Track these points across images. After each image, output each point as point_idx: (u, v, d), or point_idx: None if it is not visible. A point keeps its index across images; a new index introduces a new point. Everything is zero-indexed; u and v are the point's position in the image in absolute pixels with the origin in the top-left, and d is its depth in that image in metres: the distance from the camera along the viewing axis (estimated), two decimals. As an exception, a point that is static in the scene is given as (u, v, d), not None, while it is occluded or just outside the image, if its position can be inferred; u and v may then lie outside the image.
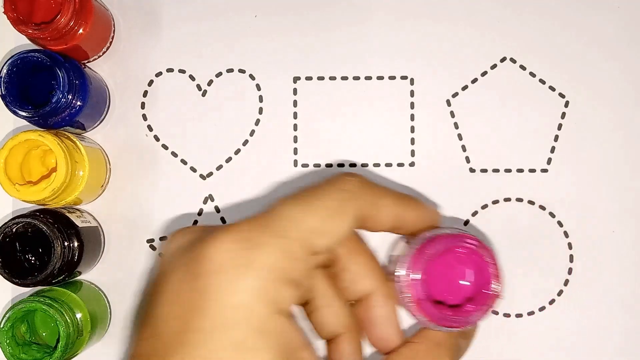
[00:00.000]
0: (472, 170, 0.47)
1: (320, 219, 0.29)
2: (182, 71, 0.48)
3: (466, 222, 0.47)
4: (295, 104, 0.48)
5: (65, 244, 0.41)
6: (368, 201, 0.31)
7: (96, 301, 0.45)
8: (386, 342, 0.34)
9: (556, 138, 0.47)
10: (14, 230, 0.41)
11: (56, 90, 0.41)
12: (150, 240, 0.47)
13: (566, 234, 0.47)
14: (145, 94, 0.48)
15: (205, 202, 0.47)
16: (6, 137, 0.47)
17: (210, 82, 0.48)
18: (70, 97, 0.42)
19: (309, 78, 0.48)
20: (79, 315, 0.42)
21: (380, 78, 0.48)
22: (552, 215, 0.47)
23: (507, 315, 0.47)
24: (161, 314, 0.28)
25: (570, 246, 0.47)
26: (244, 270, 0.27)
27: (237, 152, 0.47)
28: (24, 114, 0.41)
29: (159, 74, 0.48)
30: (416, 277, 0.34)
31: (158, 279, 0.29)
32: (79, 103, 0.43)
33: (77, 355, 0.43)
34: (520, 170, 0.47)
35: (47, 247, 0.41)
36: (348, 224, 0.30)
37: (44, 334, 0.43)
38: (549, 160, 0.47)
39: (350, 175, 0.32)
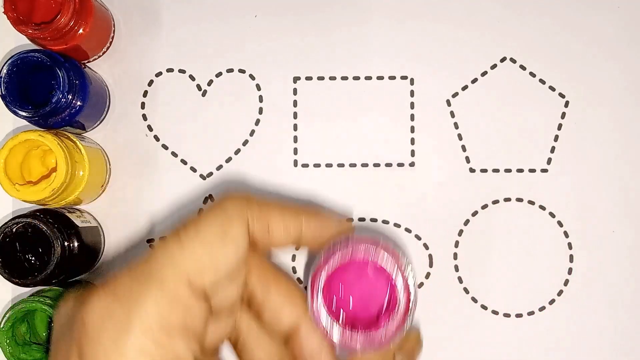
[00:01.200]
0: (472, 170, 0.47)
1: (203, 252, 0.27)
2: (182, 71, 0.48)
3: (466, 222, 0.47)
4: (295, 104, 0.48)
5: (65, 243, 0.42)
6: (254, 220, 0.29)
7: None
8: None
9: (556, 138, 0.47)
10: (13, 230, 0.41)
11: (56, 90, 0.41)
12: (150, 241, 0.47)
13: (566, 234, 0.47)
14: (145, 94, 0.48)
15: (205, 202, 0.47)
16: (6, 137, 0.47)
17: (210, 82, 0.48)
18: (70, 97, 0.42)
19: (309, 78, 0.48)
20: None
21: (380, 78, 0.48)
22: (552, 215, 0.47)
23: (507, 315, 0.47)
24: None
25: (570, 246, 0.47)
26: (124, 329, 0.25)
27: (237, 152, 0.47)
28: (24, 114, 0.41)
29: (159, 74, 0.48)
30: (316, 299, 0.30)
31: (50, 353, 0.27)
32: (79, 103, 0.43)
33: None
34: (520, 170, 0.47)
35: (47, 247, 0.41)
36: (234, 252, 0.28)
37: (43, 334, 0.43)
38: (549, 160, 0.47)
39: (231, 196, 0.30)
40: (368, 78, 0.48)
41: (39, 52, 0.41)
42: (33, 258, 0.43)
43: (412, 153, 0.47)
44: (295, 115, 0.48)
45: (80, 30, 0.43)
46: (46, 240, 0.41)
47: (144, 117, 0.47)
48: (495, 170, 0.47)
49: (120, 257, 0.47)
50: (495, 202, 0.47)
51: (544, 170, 0.47)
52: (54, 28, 0.41)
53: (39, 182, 0.42)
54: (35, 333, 0.43)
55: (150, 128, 0.47)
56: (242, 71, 0.48)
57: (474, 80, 0.48)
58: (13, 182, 0.41)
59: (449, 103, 0.48)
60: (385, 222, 0.47)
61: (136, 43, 0.48)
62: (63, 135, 0.43)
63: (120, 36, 0.48)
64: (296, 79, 0.48)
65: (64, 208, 0.44)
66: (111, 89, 0.47)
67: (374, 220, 0.47)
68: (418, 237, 0.47)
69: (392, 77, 0.48)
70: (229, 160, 0.47)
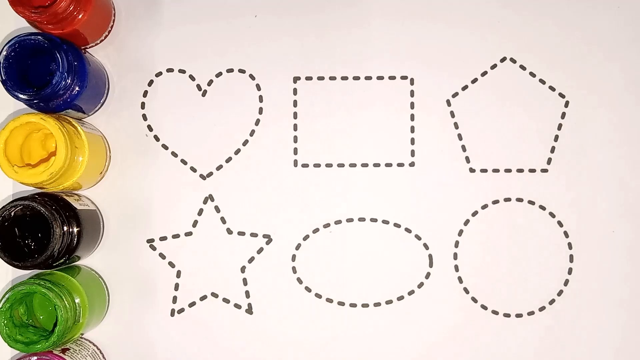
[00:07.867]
0: (472, 170, 0.47)
1: None
2: (182, 71, 0.48)
3: (466, 222, 0.47)
4: (295, 104, 0.48)
5: (64, 225, 0.41)
6: None
7: (95, 287, 0.45)
8: None
9: (556, 138, 0.47)
10: (12, 214, 0.41)
11: (56, 71, 0.41)
12: (150, 240, 0.47)
13: (566, 234, 0.47)
14: (145, 94, 0.48)
15: (205, 202, 0.47)
16: (7, 119, 0.46)
17: (210, 82, 0.48)
18: (69, 78, 0.42)
19: (309, 78, 0.48)
20: (77, 300, 0.42)
21: (380, 78, 0.48)
22: (552, 215, 0.47)
23: (507, 315, 0.47)
24: None
25: (570, 246, 0.47)
26: None
27: (237, 152, 0.47)
28: (24, 97, 0.41)
29: (159, 74, 0.48)
30: None
31: None
32: (78, 84, 0.43)
33: (72, 340, 0.43)
34: (520, 170, 0.47)
35: (46, 231, 0.41)
36: None
37: (41, 317, 0.43)
38: (549, 160, 0.47)
39: None
40: (368, 78, 0.48)
41: (37, 35, 0.41)
42: (33, 243, 0.42)
43: (412, 153, 0.47)
44: (295, 115, 0.48)
45: (80, 16, 0.43)
46: (45, 224, 0.41)
47: (144, 117, 0.47)
48: (495, 170, 0.47)
49: (120, 248, 0.47)
50: (495, 202, 0.47)
51: (544, 170, 0.47)
52: (52, 12, 0.41)
53: (38, 165, 0.41)
54: (32, 315, 0.43)
55: (150, 128, 0.47)
56: (242, 71, 0.48)
57: (474, 80, 0.48)
58: (12, 164, 0.41)
59: (449, 103, 0.48)
60: (385, 222, 0.47)
61: (136, 43, 0.48)
62: (64, 120, 0.42)
63: (120, 37, 0.48)
64: (296, 79, 0.48)
65: (62, 192, 0.44)
66: (110, 73, 0.47)
67: (374, 220, 0.47)
68: (418, 237, 0.47)
69: (392, 77, 0.48)
70: (229, 160, 0.47)
